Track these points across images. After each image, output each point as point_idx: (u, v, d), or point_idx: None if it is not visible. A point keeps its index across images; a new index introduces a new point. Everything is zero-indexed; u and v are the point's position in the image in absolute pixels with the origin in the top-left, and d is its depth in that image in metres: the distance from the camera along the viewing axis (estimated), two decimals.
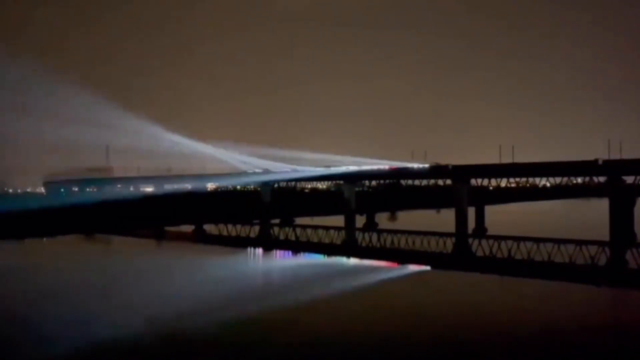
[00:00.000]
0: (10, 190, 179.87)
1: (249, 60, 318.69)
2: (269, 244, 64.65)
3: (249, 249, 59.90)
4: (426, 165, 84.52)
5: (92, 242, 67.23)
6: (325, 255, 53.08)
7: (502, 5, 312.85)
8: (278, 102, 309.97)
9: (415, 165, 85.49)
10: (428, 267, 44.90)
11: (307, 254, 54.58)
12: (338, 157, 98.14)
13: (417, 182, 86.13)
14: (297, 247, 60.24)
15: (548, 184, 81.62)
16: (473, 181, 77.14)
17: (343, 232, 76.04)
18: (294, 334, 23.23)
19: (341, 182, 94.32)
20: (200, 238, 72.57)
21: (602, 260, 46.23)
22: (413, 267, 45.03)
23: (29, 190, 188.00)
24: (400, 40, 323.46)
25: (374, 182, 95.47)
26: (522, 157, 73.92)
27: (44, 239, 64.90)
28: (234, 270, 44.36)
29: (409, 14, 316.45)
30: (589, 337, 22.78)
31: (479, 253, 52.53)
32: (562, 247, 50.23)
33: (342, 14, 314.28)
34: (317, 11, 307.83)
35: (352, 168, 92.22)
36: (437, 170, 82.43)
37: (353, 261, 51.05)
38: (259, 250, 58.23)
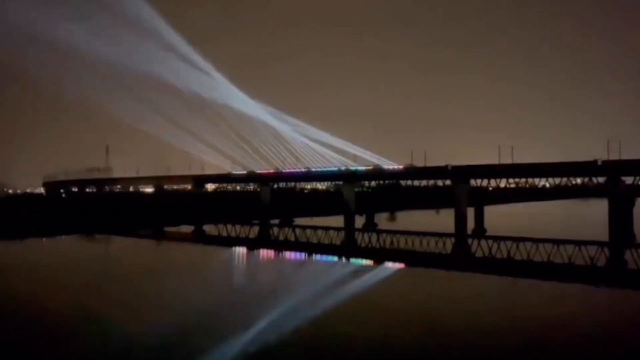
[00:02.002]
0: (10, 191, 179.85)
1: (246, 61, 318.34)
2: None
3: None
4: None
5: (93, 242, 67.18)
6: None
7: (501, 6, 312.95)
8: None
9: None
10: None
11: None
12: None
13: (416, 182, 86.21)
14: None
15: (547, 185, 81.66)
16: (472, 182, 77.17)
17: (342, 233, 76.05)
18: None
19: (340, 182, 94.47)
20: (200, 238, 72.58)
21: (602, 261, 46.29)
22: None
23: (28, 190, 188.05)
24: (399, 40, 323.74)
25: (373, 183, 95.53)
26: (521, 158, 73.94)
27: (44, 239, 64.80)
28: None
29: (407, 14, 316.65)
30: (588, 337, 22.82)
31: (478, 253, 52.56)
32: (562, 247, 50.28)
33: (341, 14, 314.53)
34: (316, 11, 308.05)
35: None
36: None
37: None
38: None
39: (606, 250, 52.56)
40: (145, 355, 20.97)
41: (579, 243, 52.02)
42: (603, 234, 59.60)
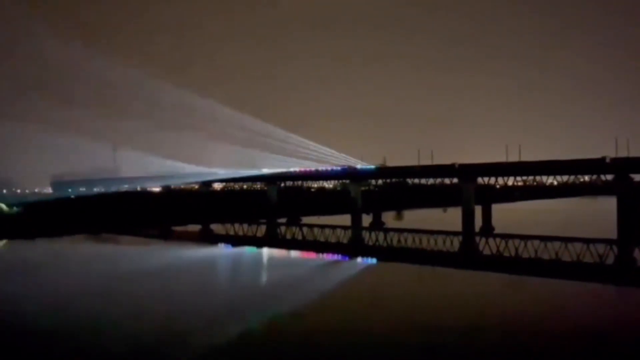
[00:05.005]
0: (19, 191, 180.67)
1: (251, 61, 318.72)
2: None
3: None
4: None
5: (101, 241, 67.48)
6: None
7: (509, 5, 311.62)
8: (281, 105, 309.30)
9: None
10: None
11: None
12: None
13: (423, 180, 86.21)
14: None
15: (555, 182, 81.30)
16: (480, 180, 76.99)
17: (349, 231, 76.05)
18: None
19: (347, 181, 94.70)
20: (207, 237, 72.75)
21: (610, 259, 46.06)
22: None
23: (36, 190, 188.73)
24: (406, 40, 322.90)
25: (380, 181, 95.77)
26: (528, 156, 73.82)
27: (52, 238, 65.11)
28: None
29: (414, 15, 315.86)
30: (595, 336, 22.73)
31: (486, 252, 52.45)
32: (570, 245, 50.06)
33: (345, 15, 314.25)
34: (318, 13, 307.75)
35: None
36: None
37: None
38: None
39: (615, 248, 52.27)
40: None
41: (587, 241, 51.73)
42: (611, 232, 59.30)
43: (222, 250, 60.27)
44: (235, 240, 67.11)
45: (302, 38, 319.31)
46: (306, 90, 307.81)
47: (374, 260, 50.45)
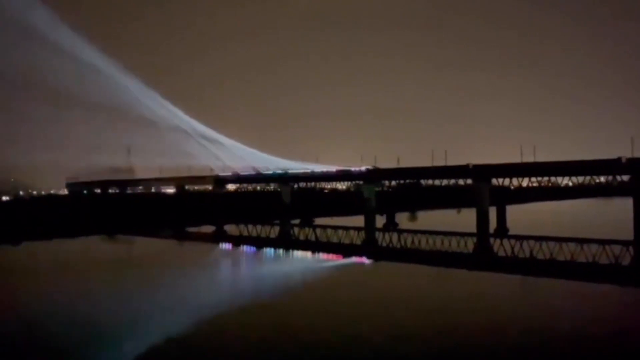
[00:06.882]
0: (35, 193, 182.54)
1: (260, 64, 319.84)
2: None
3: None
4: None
5: (116, 242, 68.02)
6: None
7: (523, 7, 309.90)
8: (289, 105, 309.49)
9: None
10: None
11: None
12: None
13: (437, 181, 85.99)
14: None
15: (570, 183, 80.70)
16: (494, 181, 76.59)
17: (363, 232, 75.95)
18: None
19: (361, 182, 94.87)
20: (221, 238, 73.05)
21: (626, 260, 45.62)
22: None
23: (52, 191, 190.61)
24: (421, 40, 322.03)
25: (393, 182, 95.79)
26: (543, 157, 73.33)
27: (70, 239, 65.70)
28: None
29: (427, 14, 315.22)
30: (610, 337, 22.58)
31: (501, 253, 52.18)
32: (585, 246, 49.65)
33: (359, 13, 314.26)
34: (335, 8, 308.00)
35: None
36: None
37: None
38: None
39: (631, 249, 51.75)
40: None
41: (603, 242, 51.26)
42: (628, 233, 58.73)
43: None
44: (247, 241, 67.46)
45: (314, 35, 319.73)
46: (318, 88, 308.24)
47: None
